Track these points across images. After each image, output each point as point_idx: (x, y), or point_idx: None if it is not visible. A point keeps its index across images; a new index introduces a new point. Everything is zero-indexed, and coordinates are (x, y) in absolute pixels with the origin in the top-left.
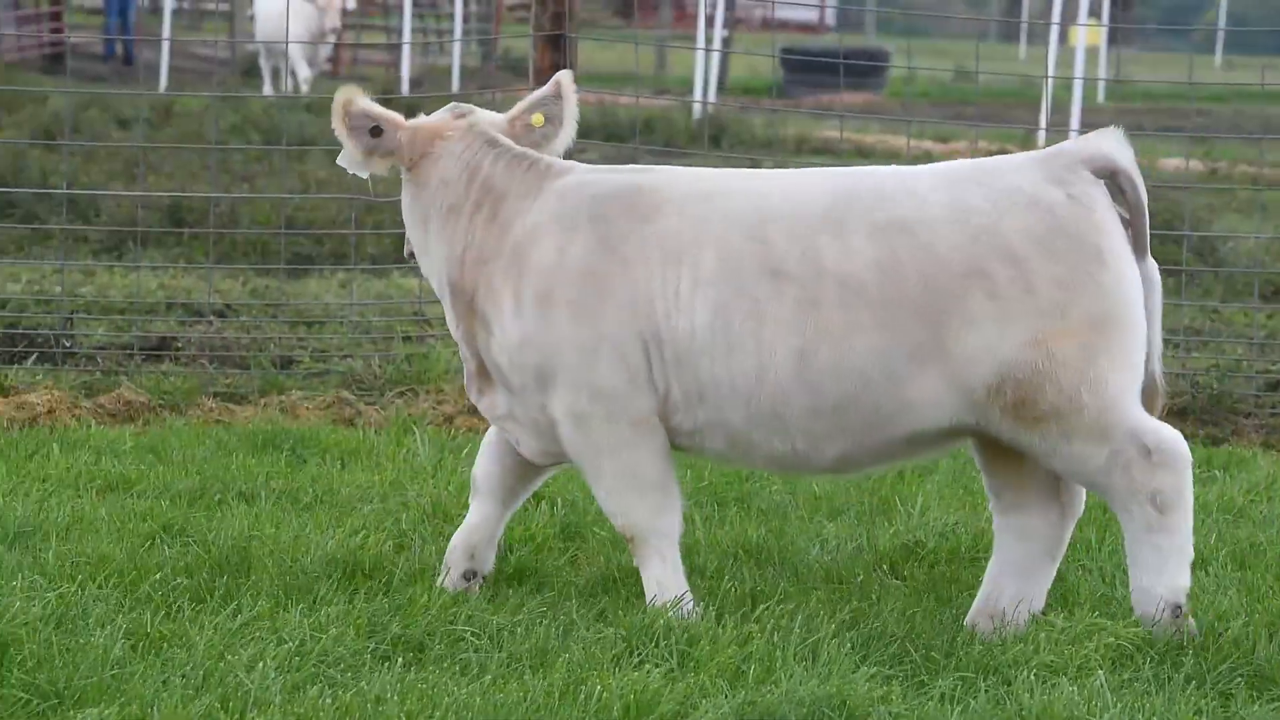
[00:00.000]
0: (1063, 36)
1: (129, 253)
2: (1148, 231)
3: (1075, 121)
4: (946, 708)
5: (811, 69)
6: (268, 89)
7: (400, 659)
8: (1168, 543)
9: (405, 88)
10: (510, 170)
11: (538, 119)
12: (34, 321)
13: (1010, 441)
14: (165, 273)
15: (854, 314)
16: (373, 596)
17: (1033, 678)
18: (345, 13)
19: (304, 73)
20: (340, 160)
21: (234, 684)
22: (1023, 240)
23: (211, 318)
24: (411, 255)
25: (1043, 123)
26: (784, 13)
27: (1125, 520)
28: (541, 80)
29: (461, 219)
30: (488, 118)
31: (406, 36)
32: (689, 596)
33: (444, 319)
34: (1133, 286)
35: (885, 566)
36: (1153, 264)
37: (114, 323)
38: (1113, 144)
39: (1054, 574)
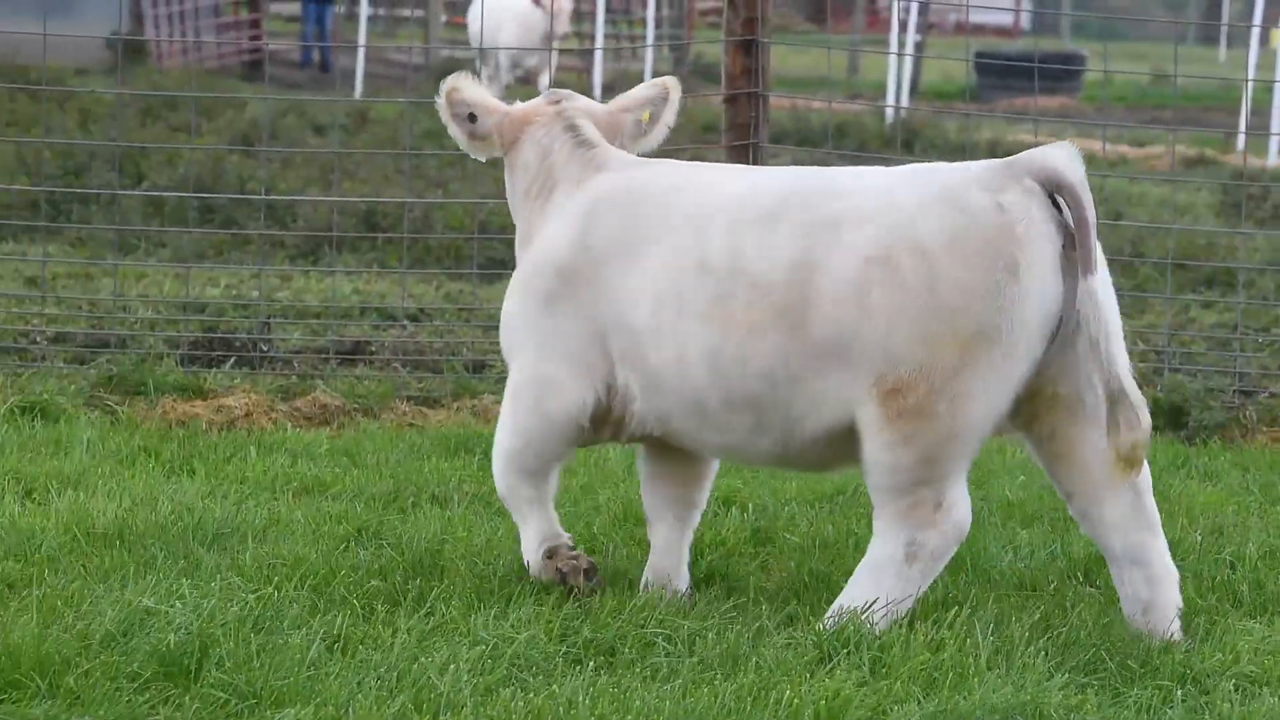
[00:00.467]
0: (1264, 39)
1: (324, 257)
2: (1093, 249)
3: (1276, 125)
4: (1143, 717)
5: (1006, 73)
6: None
7: (591, 663)
8: (892, 585)
9: (597, 93)
10: (569, 160)
11: (646, 116)
12: (232, 325)
13: (856, 425)
14: (360, 277)
15: (759, 314)
16: (564, 600)
17: (1232, 688)
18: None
19: (512, 80)
20: (462, 147)
21: (427, 686)
22: (935, 238)
23: (405, 322)
24: None
25: (1242, 126)
26: (978, 16)
27: (874, 544)
28: (734, 86)
29: (530, 201)
30: (583, 104)
31: (599, 42)
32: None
33: None
34: (1036, 310)
35: (1079, 574)
36: (1099, 280)
37: (310, 327)
38: (1062, 158)
39: (1161, 540)
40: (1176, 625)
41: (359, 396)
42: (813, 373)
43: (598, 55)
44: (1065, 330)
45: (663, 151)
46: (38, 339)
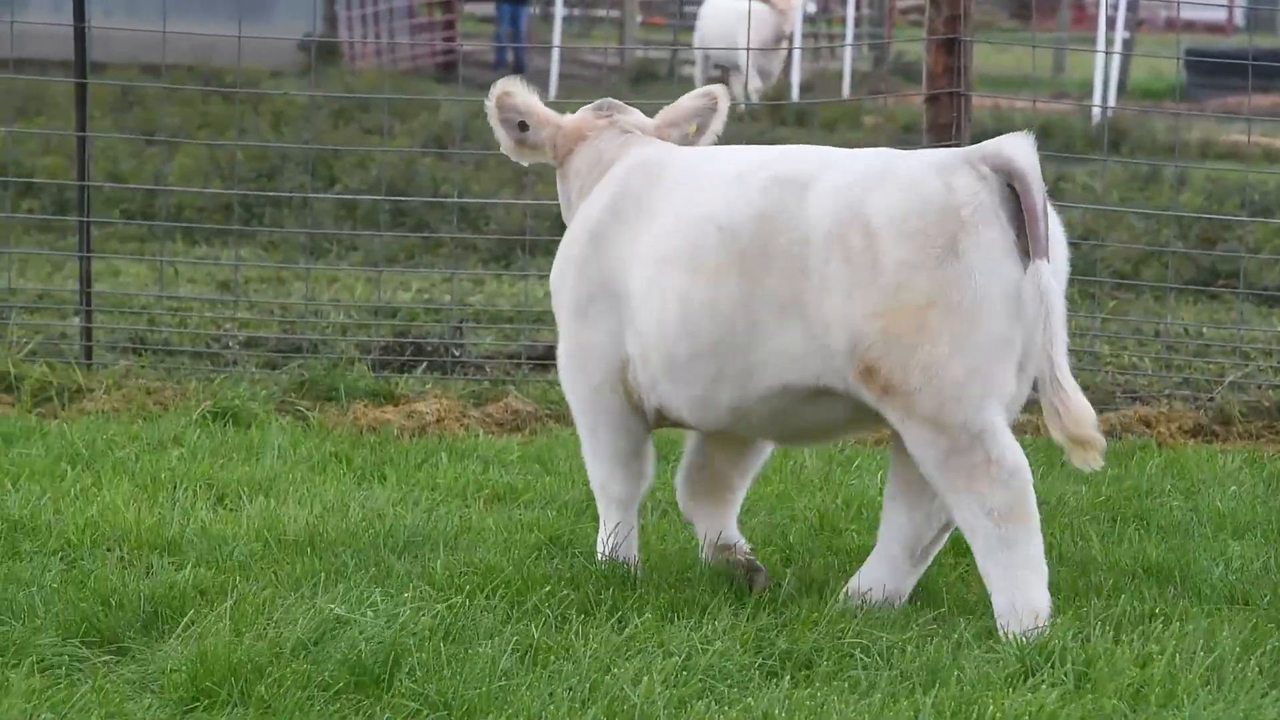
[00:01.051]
0: None
1: (517, 261)
2: (1043, 236)
3: None
4: None
5: (1218, 71)
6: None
7: (788, 675)
8: (1010, 558)
9: (795, 93)
10: (617, 148)
11: (694, 129)
12: (424, 330)
13: (877, 410)
14: None
15: (725, 258)
16: (760, 611)
17: None
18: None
19: (755, 83)
20: (503, 149)
21: (620, 697)
22: (881, 216)
23: None
24: None
25: None
26: (1189, 13)
27: (969, 536)
28: (936, 85)
29: (581, 200)
30: (633, 118)
31: (798, 41)
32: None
33: None
34: (989, 284)
35: None
36: (1045, 268)
37: (502, 331)
38: (1017, 146)
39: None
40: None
41: (551, 402)
42: (773, 324)
43: (795, 55)
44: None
45: None
46: (230, 343)
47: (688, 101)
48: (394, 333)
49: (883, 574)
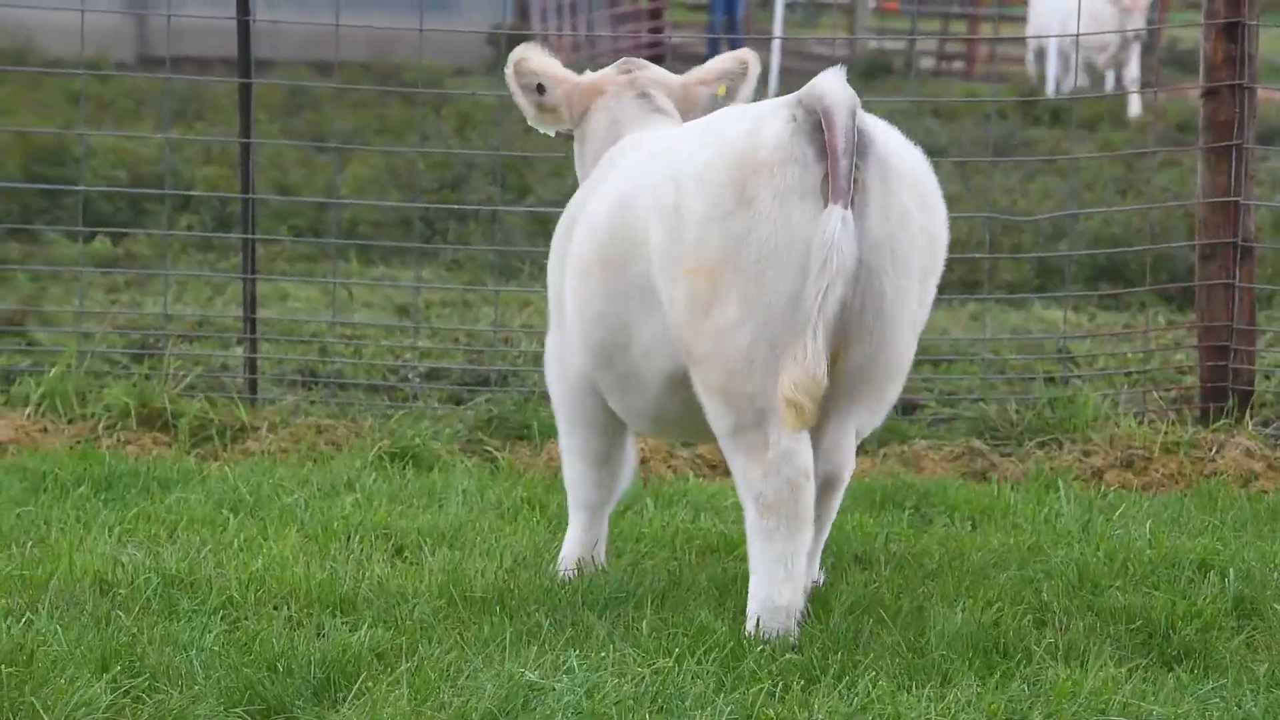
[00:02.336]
0: None
1: None
2: (841, 176)
3: None
4: None
5: None
6: (1050, 89)
7: None
8: (763, 549)
9: (1051, 87)
10: (636, 124)
11: (722, 89)
12: None
13: None
14: None
15: (589, 252)
16: (1010, 679)
17: None
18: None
19: (1078, 79)
20: (530, 120)
21: None
22: (689, 171)
23: None
24: None
25: None
26: None
27: (744, 513)
28: (1215, 77)
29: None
30: (656, 74)
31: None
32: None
33: (1090, 356)
34: (784, 235)
35: None
36: (837, 213)
37: None
38: (828, 82)
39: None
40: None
41: None
42: (636, 316)
43: (1052, 45)
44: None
45: (1134, 156)
46: (409, 375)
47: (718, 62)
48: None
49: None
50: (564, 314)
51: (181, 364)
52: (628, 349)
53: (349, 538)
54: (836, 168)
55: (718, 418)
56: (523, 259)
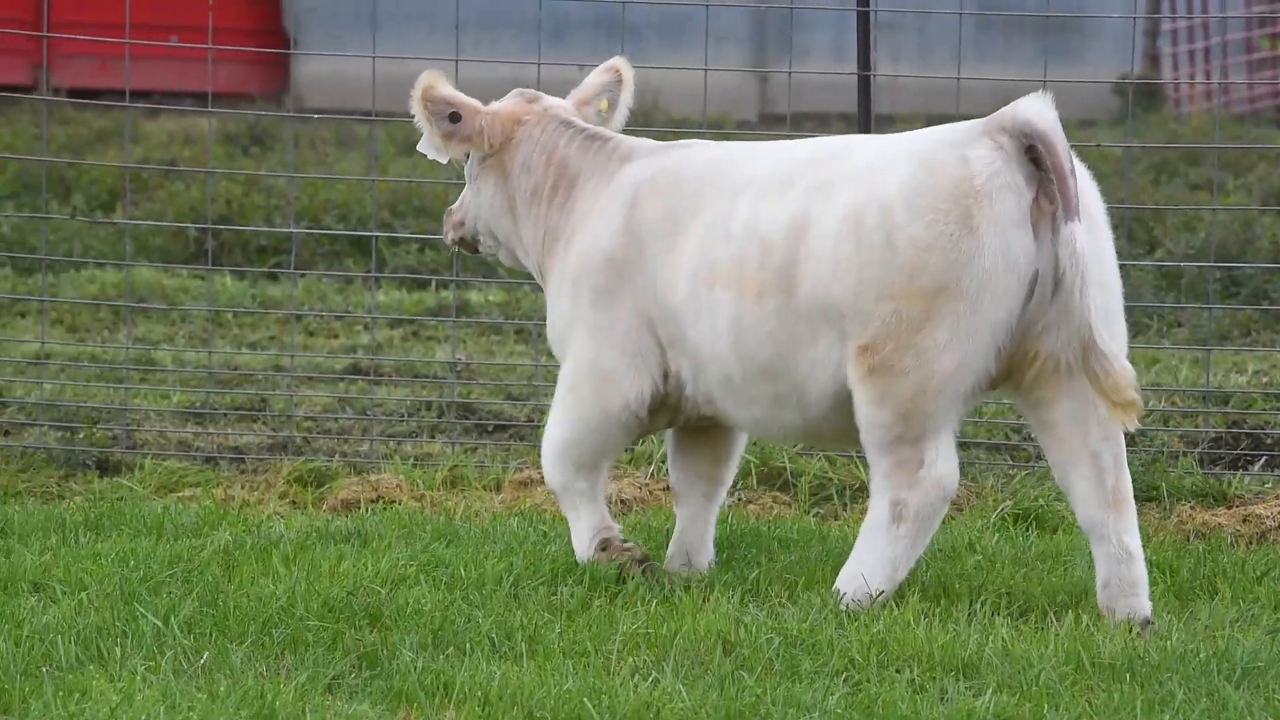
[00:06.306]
0: None
1: None
2: (1073, 195)
3: None
4: None
5: None
6: None
7: None
8: (882, 547)
9: None
10: (583, 152)
11: (604, 104)
12: (1262, 419)
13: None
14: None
15: (766, 275)
16: None
17: None
18: None
19: None
20: (420, 146)
21: None
22: (895, 193)
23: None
24: (456, 244)
25: None
26: None
27: (871, 503)
28: None
29: (541, 203)
30: (557, 102)
31: None
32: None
33: None
34: (1001, 258)
35: None
36: (1081, 229)
37: None
38: (1032, 108)
39: (1125, 518)
40: (1138, 606)
41: None
42: (807, 335)
43: None
44: (1043, 284)
45: None
46: (1029, 434)
47: (594, 77)
48: (1226, 422)
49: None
50: (608, 343)
51: None
52: (794, 370)
53: (970, 600)
54: (1066, 188)
55: (882, 429)
56: (1151, 315)
